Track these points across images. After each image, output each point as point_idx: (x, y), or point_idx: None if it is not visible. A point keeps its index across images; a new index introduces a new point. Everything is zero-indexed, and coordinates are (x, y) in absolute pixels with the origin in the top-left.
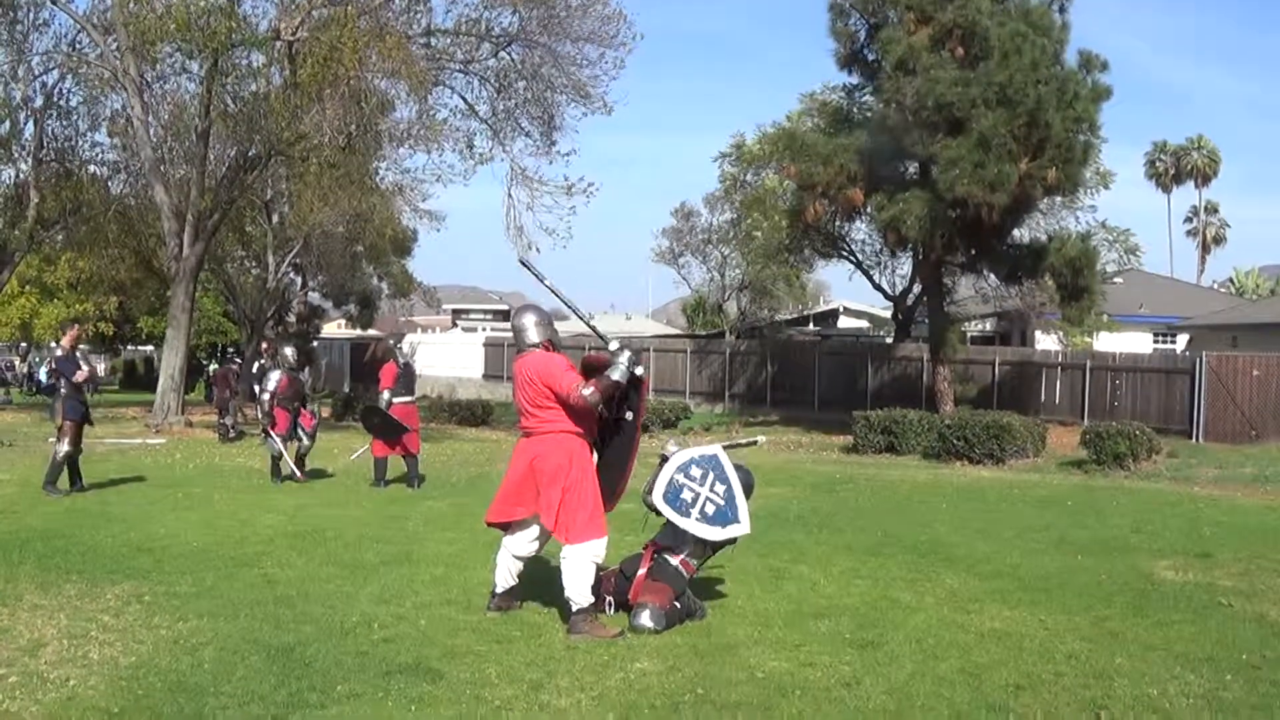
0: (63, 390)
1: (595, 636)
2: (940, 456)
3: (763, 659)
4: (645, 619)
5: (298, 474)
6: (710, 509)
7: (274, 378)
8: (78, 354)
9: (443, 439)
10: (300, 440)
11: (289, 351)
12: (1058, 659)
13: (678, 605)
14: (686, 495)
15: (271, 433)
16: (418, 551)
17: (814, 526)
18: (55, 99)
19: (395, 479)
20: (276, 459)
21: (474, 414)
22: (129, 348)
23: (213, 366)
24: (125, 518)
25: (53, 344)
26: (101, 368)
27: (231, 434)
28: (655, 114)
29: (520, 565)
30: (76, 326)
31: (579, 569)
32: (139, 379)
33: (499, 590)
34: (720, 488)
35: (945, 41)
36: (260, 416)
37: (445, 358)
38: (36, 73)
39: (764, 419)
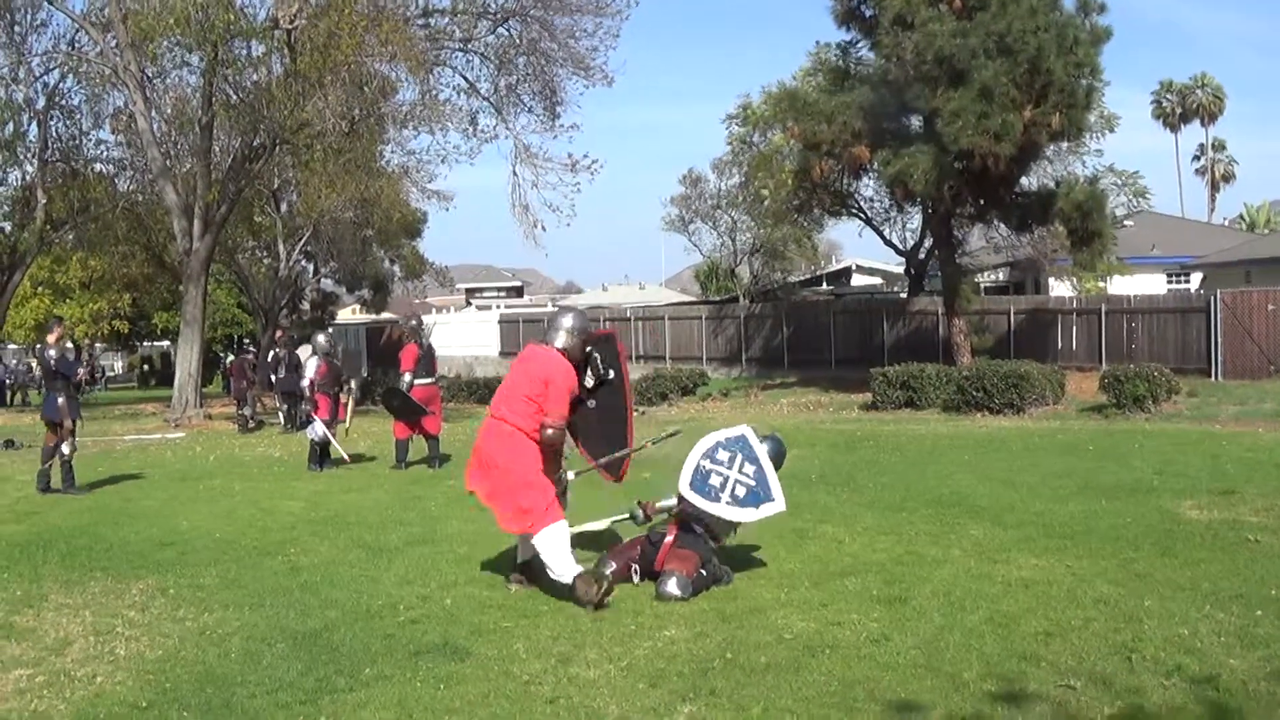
0: (60, 389)
1: (591, 595)
2: (960, 409)
3: (790, 620)
4: (672, 586)
5: (346, 457)
6: (741, 490)
7: (312, 364)
8: (66, 351)
9: (462, 418)
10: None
11: (322, 339)
12: (1086, 604)
13: (704, 572)
14: (715, 480)
15: (315, 418)
16: (441, 532)
17: (836, 485)
18: (57, 99)
19: (417, 460)
20: (322, 445)
21: (491, 391)
22: (145, 344)
23: (229, 358)
24: (147, 513)
25: (41, 345)
26: (118, 365)
27: (250, 424)
28: (662, 82)
29: None
30: (60, 325)
31: (554, 551)
32: (156, 374)
33: (520, 560)
34: (750, 468)
35: None
36: (303, 403)
37: (461, 337)
38: (37, 73)
39: (782, 381)
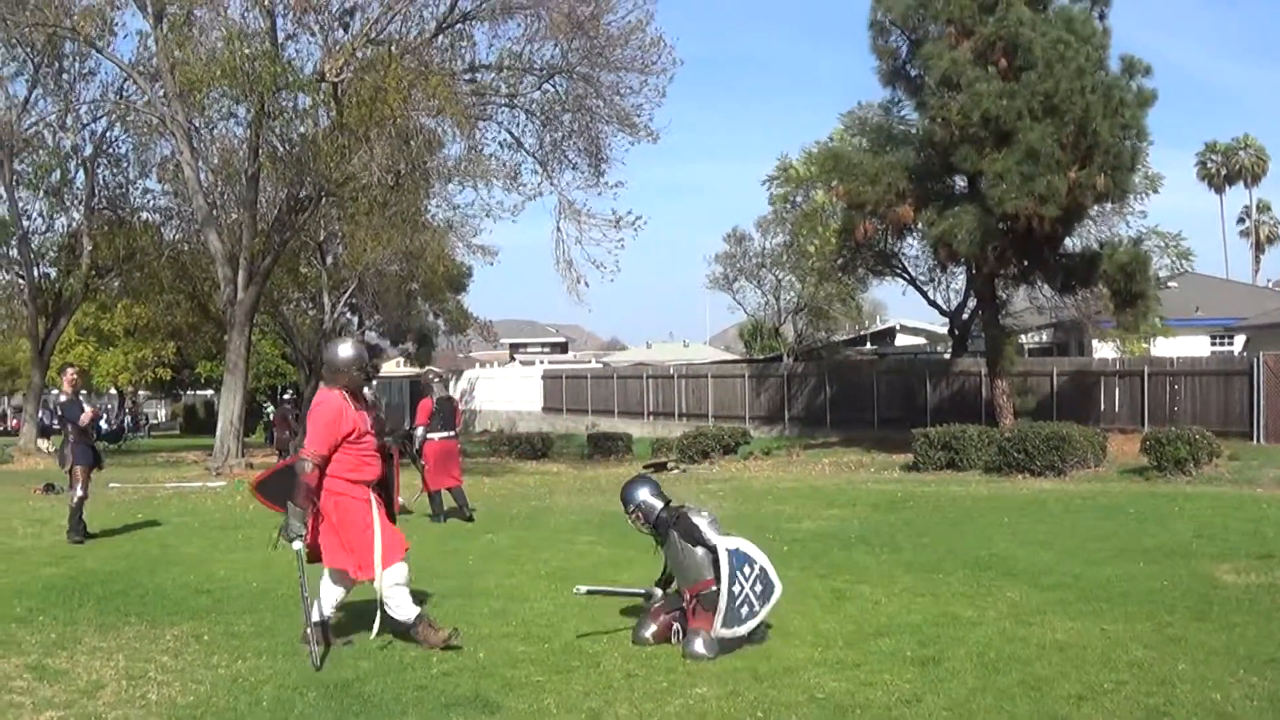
0: (70, 435)
1: (429, 642)
2: (1001, 470)
3: (823, 680)
4: (698, 646)
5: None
6: (759, 588)
7: None
8: (80, 397)
9: (503, 473)
10: None
11: (366, 391)
12: (1120, 667)
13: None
14: (740, 606)
15: None
16: (477, 585)
17: (875, 546)
18: (105, 147)
19: (451, 512)
20: None
21: (534, 447)
22: (188, 392)
23: (269, 408)
24: (185, 560)
25: (56, 390)
26: (161, 413)
27: None
28: (703, 141)
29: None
30: (72, 370)
31: (393, 594)
32: (199, 423)
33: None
34: (758, 569)
35: (988, 54)
36: None
37: (504, 392)
38: (85, 121)
39: (824, 440)
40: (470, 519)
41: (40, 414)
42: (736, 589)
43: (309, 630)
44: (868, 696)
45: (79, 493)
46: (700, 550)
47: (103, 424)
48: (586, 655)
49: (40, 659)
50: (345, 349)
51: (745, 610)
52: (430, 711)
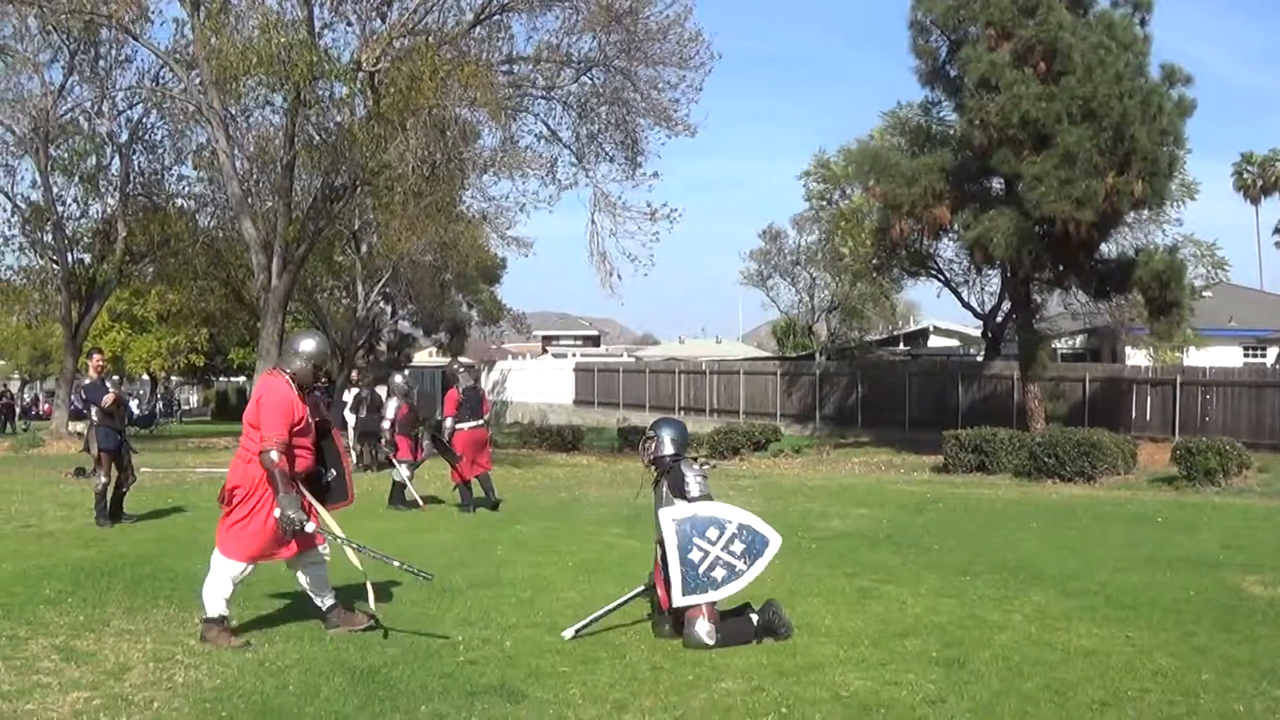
0: (94, 419)
1: (220, 645)
2: (1031, 475)
3: (847, 678)
4: (699, 631)
5: (420, 503)
6: (738, 548)
7: (393, 405)
8: (106, 382)
9: (533, 464)
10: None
11: (400, 380)
12: (1144, 676)
13: (753, 620)
14: (710, 571)
15: (395, 461)
16: (505, 575)
17: (903, 546)
18: (140, 134)
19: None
20: (401, 486)
21: (564, 439)
22: (220, 379)
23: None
24: (213, 544)
25: (83, 375)
26: (194, 399)
27: None
28: (740, 137)
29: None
30: (98, 355)
31: (220, 580)
32: (231, 409)
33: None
34: (730, 530)
35: (1027, 57)
36: (383, 445)
37: (536, 384)
38: (121, 108)
39: (855, 440)
40: (495, 507)
41: (71, 398)
42: (695, 555)
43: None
44: (892, 695)
45: (101, 479)
46: (680, 502)
47: (134, 408)
48: (613, 647)
49: (68, 641)
50: (311, 341)
51: (722, 574)
52: (456, 699)
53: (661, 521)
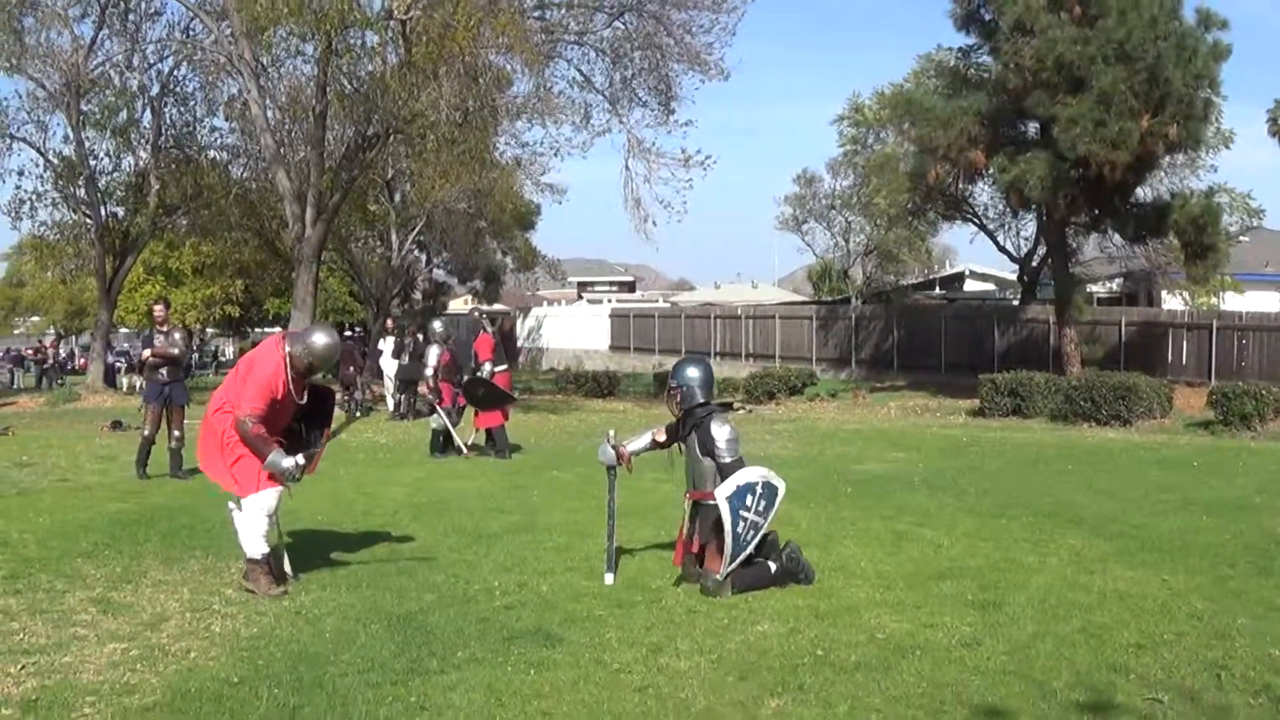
0: (147, 372)
1: (258, 587)
2: (1067, 418)
3: (883, 620)
4: (717, 580)
5: (465, 449)
6: (761, 505)
7: (434, 353)
8: (175, 333)
9: (569, 410)
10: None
11: (439, 326)
12: (1179, 619)
13: (771, 566)
14: (746, 534)
15: (439, 408)
16: (541, 521)
17: (939, 489)
18: (171, 86)
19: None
20: (441, 434)
21: (600, 385)
22: (256, 330)
23: None
24: None
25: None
26: (229, 350)
27: (358, 412)
28: (775, 82)
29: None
30: (160, 306)
31: (251, 521)
32: None
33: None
34: (759, 489)
35: (1062, 1)
36: (425, 392)
37: (572, 330)
38: (151, 61)
39: (891, 384)
40: (498, 457)
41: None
42: (741, 528)
43: None
44: (927, 638)
45: (145, 430)
46: (708, 462)
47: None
48: (649, 591)
49: (105, 593)
50: (325, 339)
51: (751, 535)
52: (492, 644)
53: (719, 502)
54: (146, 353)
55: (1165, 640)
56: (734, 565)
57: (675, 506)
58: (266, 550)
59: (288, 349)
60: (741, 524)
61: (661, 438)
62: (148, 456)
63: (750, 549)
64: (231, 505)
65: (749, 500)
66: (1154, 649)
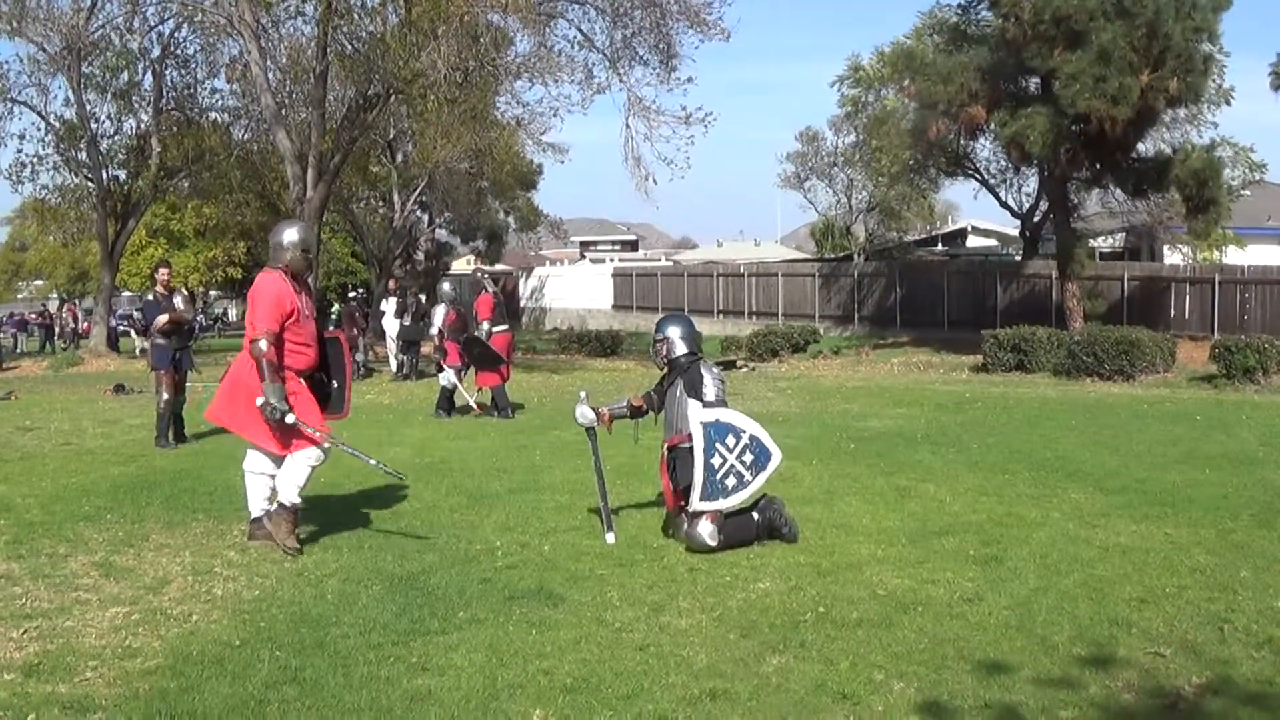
0: (154, 337)
1: (277, 535)
2: (1070, 374)
3: (885, 576)
4: (702, 532)
5: (474, 406)
6: (748, 458)
7: (440, 312)
8: (176, 298)
9: (572, 369)
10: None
11: (447, 286)
12: (1182, 572)
13: (754, 518)
14: (725, 478)
15: (445, 365)
16: (543, 480)
17: (941, 445)
18: (172, 48)
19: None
20: (450, 392)
21: (603, 344)
22: None
23: (336, 306)
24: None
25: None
26: (232, 312)
27: (361, 371)
28: (777, 40)
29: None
30: (164, 269)
31: (295, 470)
32: None
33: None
34: (745, 438)
35: None
36: (433, 351)
37: (574, 289)
38: (152, 23)
39: (894, 340)
40: (497, 415)
41: (133, 312)
42: (716, 461)
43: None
44: (929, 593)
45: (164, 395)
46: (694, 401)
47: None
48: (650, 549)
49: (107, 556)
50: (291, 230)
51: (732, 482)
52: (494, 604)
53: (691, 421)
54: (163, 319)
55: (1167, 594)
56: (709, 505)
57: None
58: (299, 501)
59: (278, 266)
60: (717, 457)
61: (638, 403)
62: (169, 425)
63: (733, 499)
64: (248, 465)
65: (730, 441)
66: (1156, 603)
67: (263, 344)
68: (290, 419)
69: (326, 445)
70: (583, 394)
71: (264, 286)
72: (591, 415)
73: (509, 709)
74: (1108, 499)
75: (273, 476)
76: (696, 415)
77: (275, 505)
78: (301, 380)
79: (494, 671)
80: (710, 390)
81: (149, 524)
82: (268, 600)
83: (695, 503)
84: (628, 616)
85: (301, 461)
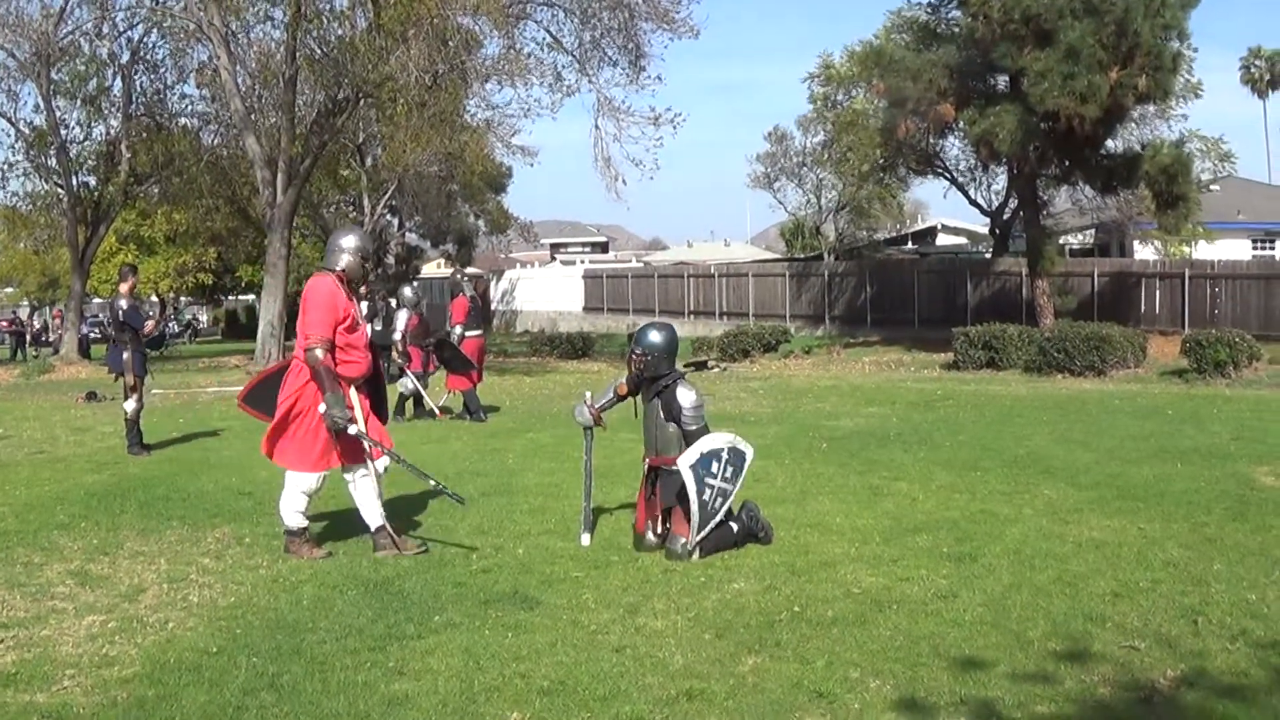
0: (128, 344)
1: (302, 556)
2: (1041, 370)
3: (859, 575)
4: (684, 548)
5: (437, 412)
6: (729, 472)
7: (403, 317)
8: (146, 305)
9: (544, 372)
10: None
11: (409, 292)
12: (1155, 566)
13: (734, 528)
14: (714, 502)
15: (408, 371)
16: (517, 483)
17: (913, 443)
18: (141, 53)
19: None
20: (409, 398)
21: (575, 346)
22: (229, 297)
23: None
24: (226, 464)
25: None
26: (204, 318)
27: None
28: (745, 39)
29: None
30: (132, 276)
31: (296, 493)
32: (240, 327)
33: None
34: (725, 455)
35: None
36: (395, 356)
37: (545, 292)
38: (121, 29)
39: (864, 339)
40: (470, 419)
41: (103, 318)
42: (707, 495)
43: (385, 532)
44: (904, 591)
45: (134, 404)
46: (673, 428)
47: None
48: (624, 552)
49: (82, 565)
50: (352, 235)
51: (720, 501)
52: (469, 607)
53: (682, 471)
54: (150, 325)
55: (1141, 588)
56: (704, 533)
57: None
58: (304, 524)
59: (335, 270)
60: (708, 491)
61: (624, 390)
62: (141, 431)
63: (720, 516)
64: (348, 477)
65: (714, 467)
66: (1130, 597)
67: (318, 352)
68: (354, 430)
69: (386, 462)
70: (587, 395)
71: (316, 290)
72: (590, 415)
73: (486, 712)
74: (1080, 494)
75: (377, 476)
76: (685, 462)
77: (283, 532)
78: (357, 391)
79: (471, 675)
80: (691, 420)
81: (124, 532)
82: (244, 607)
83: (694, 537)
84: (603, 619)
85: (294, 488)
